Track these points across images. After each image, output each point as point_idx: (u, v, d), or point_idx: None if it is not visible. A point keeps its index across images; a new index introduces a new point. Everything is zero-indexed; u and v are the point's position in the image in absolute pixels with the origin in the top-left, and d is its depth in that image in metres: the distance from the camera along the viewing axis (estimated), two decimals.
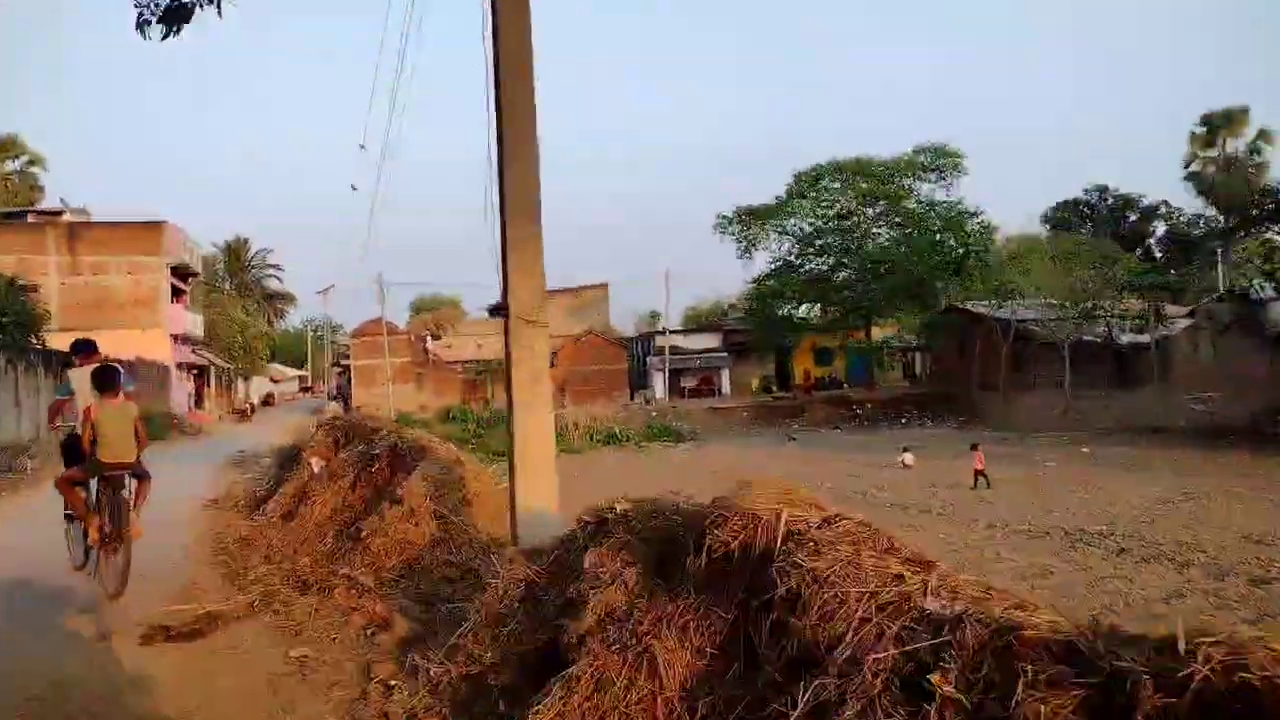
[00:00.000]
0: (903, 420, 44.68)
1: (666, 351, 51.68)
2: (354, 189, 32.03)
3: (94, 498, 7.33)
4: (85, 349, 8.50)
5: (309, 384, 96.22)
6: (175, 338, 40.45)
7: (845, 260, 50.18)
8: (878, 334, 55.38)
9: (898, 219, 47.66)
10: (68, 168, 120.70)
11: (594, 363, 54.58)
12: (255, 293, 69.36)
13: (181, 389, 41.92)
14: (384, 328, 46.64)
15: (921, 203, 47.49)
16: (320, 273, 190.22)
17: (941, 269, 46.16)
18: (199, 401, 46.66)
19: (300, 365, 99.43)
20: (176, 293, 41.65)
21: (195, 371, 46.23)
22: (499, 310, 6.49)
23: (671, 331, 56.55)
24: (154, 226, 39.45)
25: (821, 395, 50.17)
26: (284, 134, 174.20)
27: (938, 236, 46.26)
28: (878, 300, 47.82)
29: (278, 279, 73.79)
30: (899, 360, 57.40)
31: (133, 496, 7.38)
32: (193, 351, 44.76)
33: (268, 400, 62.57)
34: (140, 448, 7.49)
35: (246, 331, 54.66)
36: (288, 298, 73.90)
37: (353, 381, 52.33)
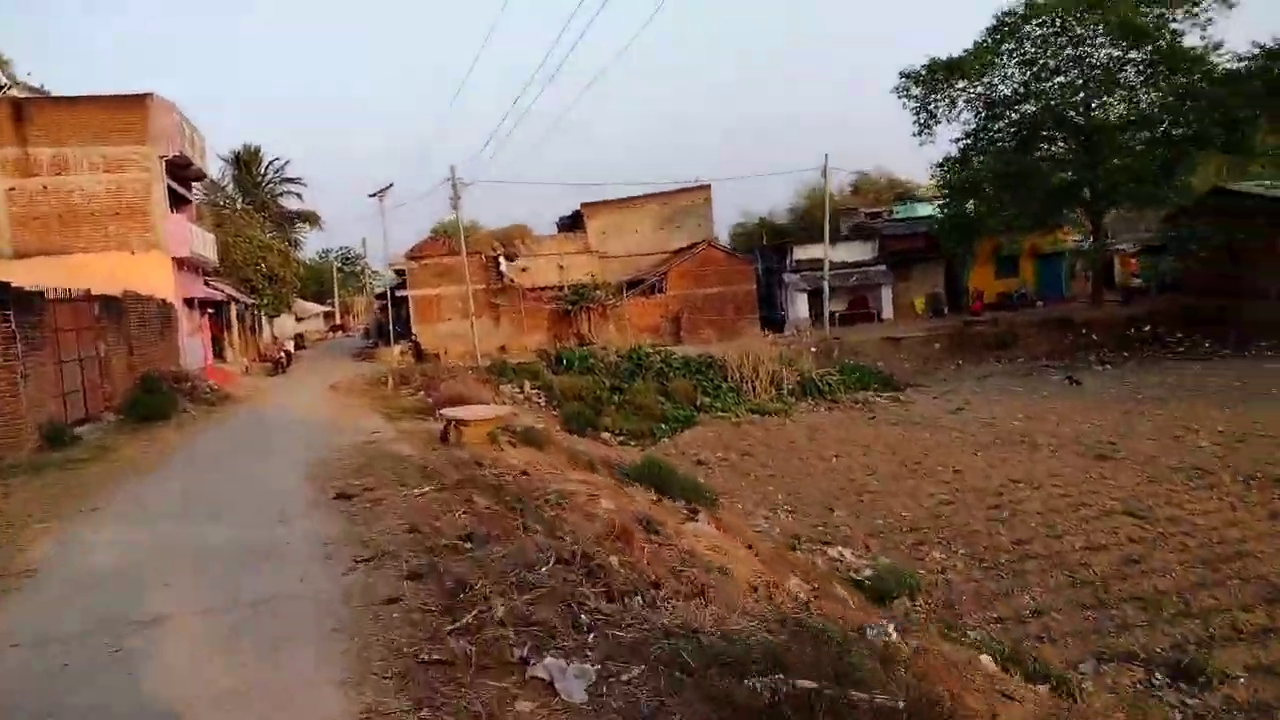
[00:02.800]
0: (1180, 348, 32.78)
1: (826, 265, 39.36)
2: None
3: None
4: None
5: (338, 321, 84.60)
6: (180, 263, 28.56)
7: (1059, 131, 37.57)
8: (1061, 238, 43.13)
9: (1153, 67, 34.71)
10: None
11: (714, 283, 42.58)
12: (272, 212, 57.05)
13: (195, 337, 30.30)
14: (462, 238, 34.34)
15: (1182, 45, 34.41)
16: (345, 193, 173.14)
17: (1216, 137, 33.48)
18: (219, 351, 35.09)
19: (321, 300, 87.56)
20: (177, 200, 29.59)
21: (210, 310, 34.53)
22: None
23: (805, 242, 44.27)
24: (135, 102, 27.23)
25: (1021, 318, 38.20)
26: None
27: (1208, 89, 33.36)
28: (1113, 184, 35.28)
29: (298, 195, 61.43)
30: (1128, 269, 44.85)
31: None
32: (206, 283, 32.93)
33: (300, 343, 50.97)
34: None
35: (271, 255, 42.73)
36: (310, 218, 61.57)
37: (411, 317, 40.53)
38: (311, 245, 74.40)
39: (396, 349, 36.84)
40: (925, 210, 45.59)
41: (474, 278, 41.86)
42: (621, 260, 48.17)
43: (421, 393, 22.52)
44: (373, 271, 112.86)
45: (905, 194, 52.66)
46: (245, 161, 57.83)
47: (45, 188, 26.72)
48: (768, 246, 48.56)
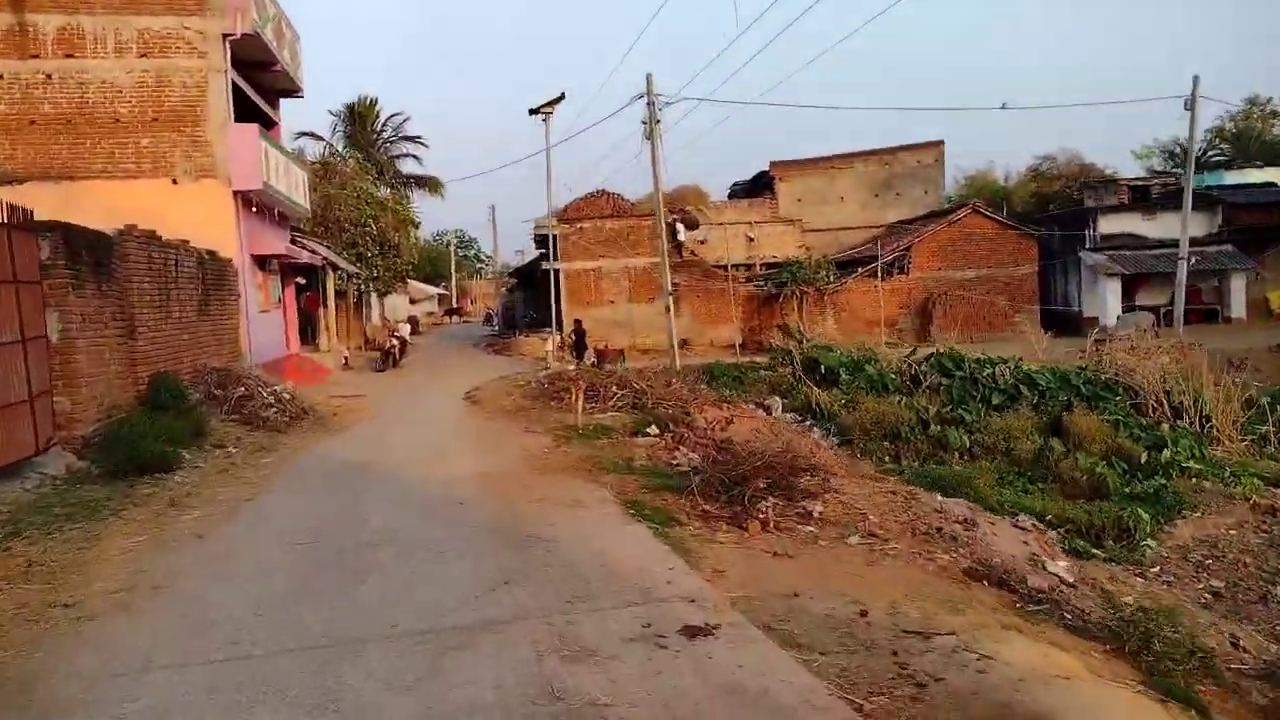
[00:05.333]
0: None
1: (1184, 240, 26.70)
2: None
3: None
4: None
5: (455, 304, 76.03)
6: (249, 203, 18.73)
7: None
8: None
9: None
10: None
11: (978, 263, 30.75)
12: (388, 176, 47.86)
13: (271, 313, 20.57)
14: (658, 184, 23.08)
15: None
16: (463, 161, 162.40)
17: None
18: (309, 335, 25.54)
19: (434, 283, 78.98)
20: (250, 113, 19.75)
21: (300, 280, 24.99)
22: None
23: (1108, 208, 31.81)
24: None
25: None
26: None
27: None
28: None
29: (416, 158, 52.21)
30: None
31: None
32: (293, 239, 23.25)
33: (415, 327, 41.66)
34: None
35: (385, 215, 33.15)
36: (432, 183, 52.20)
37: (562, 297, 30.14)
38: (427, 221, 65.57)
39: (549, 340, 26.49)
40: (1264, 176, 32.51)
41: (644, 248, 31.29)
42: (822, 235, 36.75)
43: (658, 434, 11.85)
44: (486, 255, 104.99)
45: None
46: (359, 114, 48.84)
47: (49, 77, 17.32)
48: (1047, 215, 36.03)
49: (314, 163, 36.08)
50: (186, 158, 17.72)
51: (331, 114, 49.04)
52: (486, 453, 11.35)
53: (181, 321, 14.34)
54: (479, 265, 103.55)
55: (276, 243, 20.08)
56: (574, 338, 24.68)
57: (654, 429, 11.81)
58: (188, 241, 15.04)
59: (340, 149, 46.20)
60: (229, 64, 17.85)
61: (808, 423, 16.44)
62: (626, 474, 9.54)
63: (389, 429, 14.12)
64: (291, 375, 19.83)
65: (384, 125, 51.30)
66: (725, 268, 32.39)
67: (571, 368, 20.64)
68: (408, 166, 52.21)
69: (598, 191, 32.24)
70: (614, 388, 15.88)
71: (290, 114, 25.06)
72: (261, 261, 19.89)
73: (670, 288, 22.51)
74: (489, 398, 17.72)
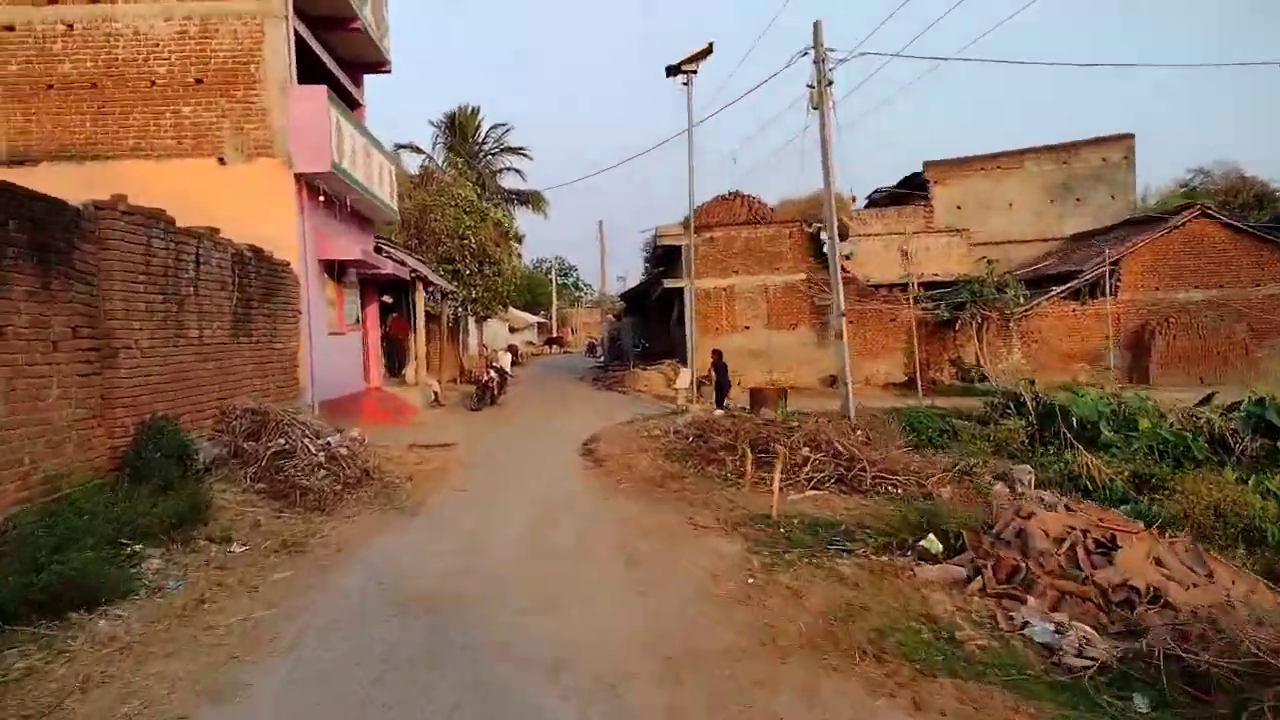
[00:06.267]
0: None
1: None
2: None
3: None
4: None
5: (555, 333, 72.29)
6: (315, 191, 14.50)
7: None
8: None
9: None
10: None
11: (1205, 282, 24.60)
12: (490, 190, 44.19)
13: (343, 335, 16.33)
14: (829, 169, 17.59)
15: None
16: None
17: None
18: (395, 365, 21.40)
19: (533, 309, 75.22)
20: (319, 78, 15.58)
21: (386, 300, 20.93)
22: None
23: None
24: None
25: None
26: None
27: None
28: None
29: (518, 172, 48.56)
30: None
31: None
32: (377, 248, 19.09)
33: (515, 357, 37.51)
34: None
35: (486, 227, 29.05)
36: (534, 199, 48.41)
37: (688, 322, 25.28)
38: (528, 243, 62.03)
39: (681, 374, 21.59)
40: None
41: (785, 262, 26.28)
42: (987, 250, 30.88)
43: (948, 554, 6.70)
44: (585, 284, 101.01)
45: None
46: (460, 125, 45.55)
47: (70, 29, 13.56)
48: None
49: (412, 177, 32.53)
50: (237, 130, 13.66)
51: (432, 124, 46.01)
52: (646, 585, 6.42)
53: (202, 343, 10.03)
54: (579, 294, 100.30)
55: (353, 247, 15.86)
56: (713, 373, 19.76)
57: (934, 542, 6.63)
58: (217, 230, 10.79)
59: (440, 162, 42.80)
60: (290, 8, 13.75)
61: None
62: (959, 675, 4.52)
63: (483, 510, 9.40)
64: (368, 416, 15.54)
65: (485, 136, 47.98)
66: (886, 288, 27.01)
67: (719, 412, 15.69)
68: (509, 181, 48.61)
69: (731, 194, 27.36)
70: (804, 449, 10.82)
71: (385, 122, 20.84)
72: (333, 269, 15.70)
73: (843, 308, 17.40)
74: (616, 454, 12.92)
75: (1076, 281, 24.97)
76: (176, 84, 13.65)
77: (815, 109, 16.73)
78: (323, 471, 9.87)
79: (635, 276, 62.81)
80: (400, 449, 13.01)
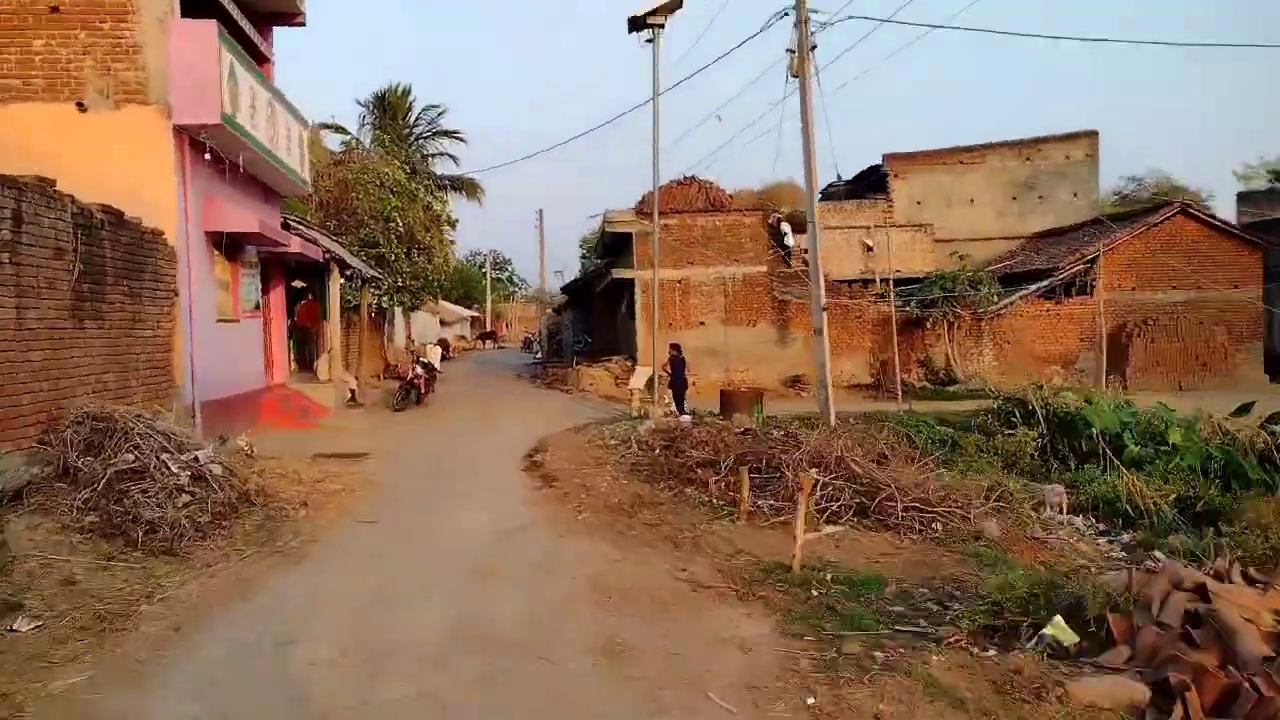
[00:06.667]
0: None
1: None
2: None
3: None
4: None
5: (489, 328, 69.42)
6: (202, 147, 11.86)
7: None
8: None
9: None
10: None
11: (1183, 282, 23.55)
12: (421, 176, 41.25)
13: (232, 332, 13.72)
14: (810, 141, 15.44)
15: None
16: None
17: None
18: (305, 358, 18.81)
19: (466, 303, 72.00)
20: (211, 9, 12.93)
21: (298, 284, 18.29)
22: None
23: None
24: None
25: None
26: None
27: None
28: None
29: (453, 158, 45.70)
30: None
31: None
32: (285, 223, 16.41)
33: (445, 351, 34.89)
34: None
35: (415, 209, 26.45)
36: (468, 186, 45.61)
37: (638, 315, 23.15)
38: (462, 236, 58.95)
39: (636, 373, 19.36)
40: None
41: (745, 253, 24.40)
42: (947, 247, 29.49)
43: (1078, 653, 4.64)
44: (520, 279, 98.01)
45: None
46: (391, 105, 42.52)
47: None
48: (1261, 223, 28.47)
49: (333, 154, 29.75)
50: (102, 70, 11.05)
51: (359, 103, 42.78)
52: (648, 716, 4.19)
53: (22, 328, 7.53)
54: (514, 288, 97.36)
55: (250, 218, 13.28)
56: (670, 370, 17.68)
57: (1066, 630, 4.53)
58: (53, 182, 8.28)
59: (367, 144, 39.76)
60: None
61: (1125, 537, 9.17)
62: None
63: (396, 555, 7.08)
64: (267, 418, 13.07)
65: (417, 119, 45.05)
66: (847, 283, 25.33)
67: (685, 419, 13.63)
68: (443, 167, 45.78)
69: (686, 178, 25.28)
70: (809, 469, 8.78)
71: (302, 99, 18.42)
72: (224, 244, 13.10)
73: (824, 300, 15.52)
74: (568, 469, 10.73)
75: (1052, 280, 23.60)
76: (25, 11, 10.98)
77: (795, 76, 14.75)
78: (185, 497, 7.47)
79: (572, 272, 60.34)
80: (301, 461, 10.61)
